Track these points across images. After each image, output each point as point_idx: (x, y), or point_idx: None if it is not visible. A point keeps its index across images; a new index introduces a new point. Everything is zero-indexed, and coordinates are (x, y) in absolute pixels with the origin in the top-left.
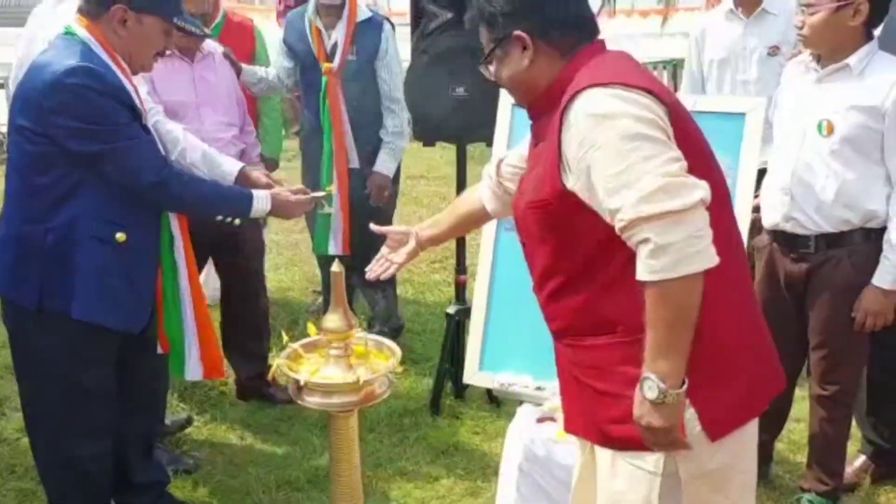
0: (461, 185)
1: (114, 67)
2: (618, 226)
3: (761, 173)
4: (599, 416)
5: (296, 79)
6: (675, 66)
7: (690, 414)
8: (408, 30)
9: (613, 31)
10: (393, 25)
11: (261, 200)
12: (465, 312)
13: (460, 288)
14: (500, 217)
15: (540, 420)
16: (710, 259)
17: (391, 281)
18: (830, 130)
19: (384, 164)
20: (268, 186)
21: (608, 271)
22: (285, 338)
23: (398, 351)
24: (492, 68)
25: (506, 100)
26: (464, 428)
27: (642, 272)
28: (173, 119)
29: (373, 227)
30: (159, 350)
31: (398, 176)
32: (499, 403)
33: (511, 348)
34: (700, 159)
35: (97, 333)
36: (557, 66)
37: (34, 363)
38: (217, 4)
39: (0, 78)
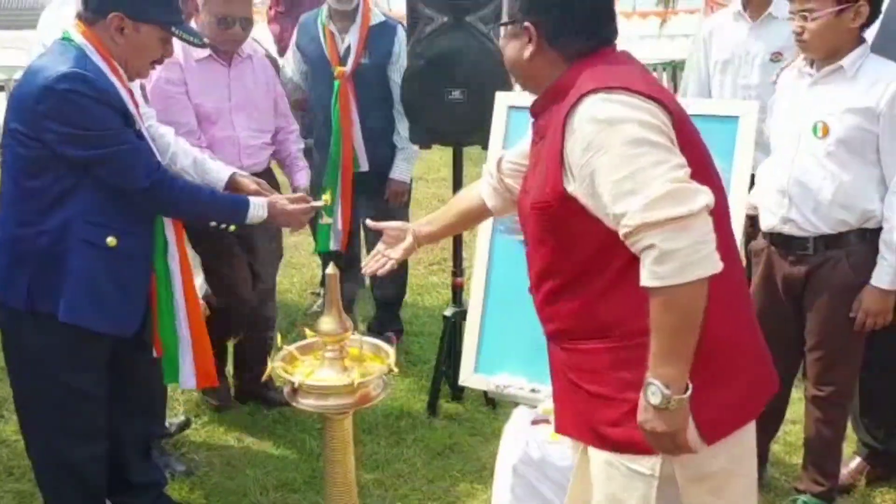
0: (458, 188)
1: (108, 73)
2: (622, 231)
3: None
4: (594, 419)
5: (308, 82)
6: (674, 68)
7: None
8: None
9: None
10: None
11: (257, 208)
12: (461, 315)
13: (457, 290)
14: (501, 214)
15: (535, 422)
16: (715, 265)
17: (403, 289)
18: (825, 132)
19: (401, 171)
20: (257, 194)
21: (605, 276)
22: (280, 340)
23: (393, 353)
24: (501, 41)
25: (501, 103)
26: (460, 430)
27: (647, 278)
28: (206, 123)
29: (369, 223)
30: (155, 353)
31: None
32: (495, 405)
33: (506, 351)
34: (701, 166)
35: (87, 336)
36: (560, 68)
37: (27, 365)
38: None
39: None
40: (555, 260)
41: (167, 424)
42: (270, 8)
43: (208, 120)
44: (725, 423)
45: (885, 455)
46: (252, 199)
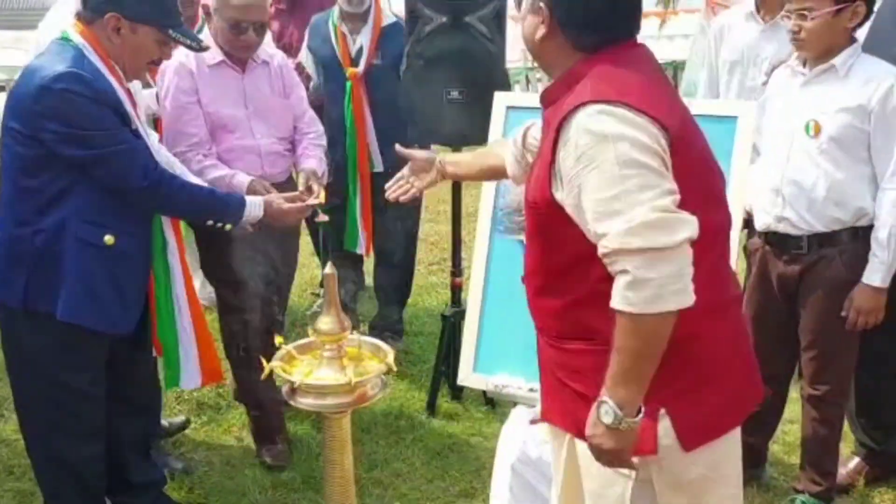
0: (457, 188)
1: (106, 73)
2: (600, 251)
3: None
4: (578, 415)
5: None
6: (675, 69)
7: (665, 424)
8: None
9: None
10: None
11: (254, 206)
12: (461, 315)
13: (456, 290)
14: (518, 184)
15: (533, 421)
16: (687, 299)
17: (407, 293)
18: (818, 131)
19: None
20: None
21: (587, 282)
22: (279, 340)
23: (391, 353)
24: (521, 12)
25: (500, 102)
26: (459, 429)
27: (617, 301)
28: (223, 132)
29: (398, 147)
30: (154, 353)
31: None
32: (494, 405)
33: (505, 350)
34: (699, 187)
35: (84, 335)
36: (572, 58)
37: (25, 364)
38: (196, 8)
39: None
40: (542, 258)
41: (166, 424)
42: (271, 5)
43: (225, 129)
44: (704, 431)
45: (884, 455)
46: (248, 198)
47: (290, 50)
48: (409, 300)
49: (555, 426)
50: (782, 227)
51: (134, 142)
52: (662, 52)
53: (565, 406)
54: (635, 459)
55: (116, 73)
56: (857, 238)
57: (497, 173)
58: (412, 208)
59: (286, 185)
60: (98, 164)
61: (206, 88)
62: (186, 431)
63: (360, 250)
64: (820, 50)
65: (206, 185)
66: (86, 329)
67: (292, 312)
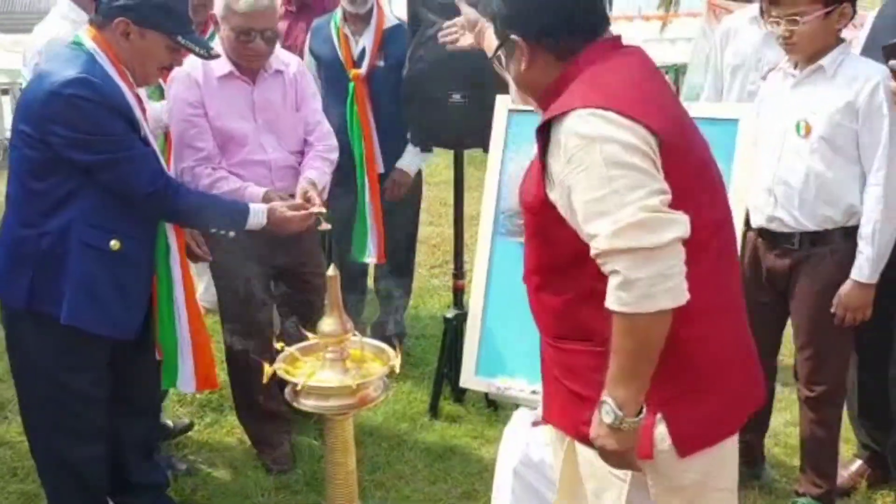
0: (459, 190)
1: (117, 79)
2: (592, 252)
3: None
4: (576, 416)
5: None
6: (676, 72)
7: (661, 429)
8: None
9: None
10: None
11: (257, 214)
12: (463, 317)
13: (458, 293)
14: None
15: (535, 424)
16: (679, 297)
17: (408, 295)
18: (808, 131)
19: (407, 162)
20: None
21: (582, 283)
22: (280, 343)
23: (394, 355)
24: (503, 66)
25: (502, 105)
26: (461, 432)
27: (611, 301)
28: (233, 146)
29: None
30: (157, 356)
31: (420, 180)
32: (496, 407)
33: (507, 353)
34: (693, 187)
35: (86, 338)
36: (557, 69)
37: (27, 365)
38: (209, 14)
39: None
40: (540, 258)
41: (170, 424)
42: (282, 5)
43: (234, 142)
44: (700, 438)
45: (886, 457)
46: (252, 206)
47: (295, 50)
48: (412, 302)
49: (555, 427)
50: (775, 226)
51: (142, 148)
52: (664, 55)
53: (564, 407)
54: None
55: (127, 78)
56: (849, 238)
57: None
58: (412, 212)
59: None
60: (105, 169)
61: (213, 101)
62: (190, 433)
63: (370, 259)
64: (811, 52)
65: (210, 192)
66: (89, 332)
67: None
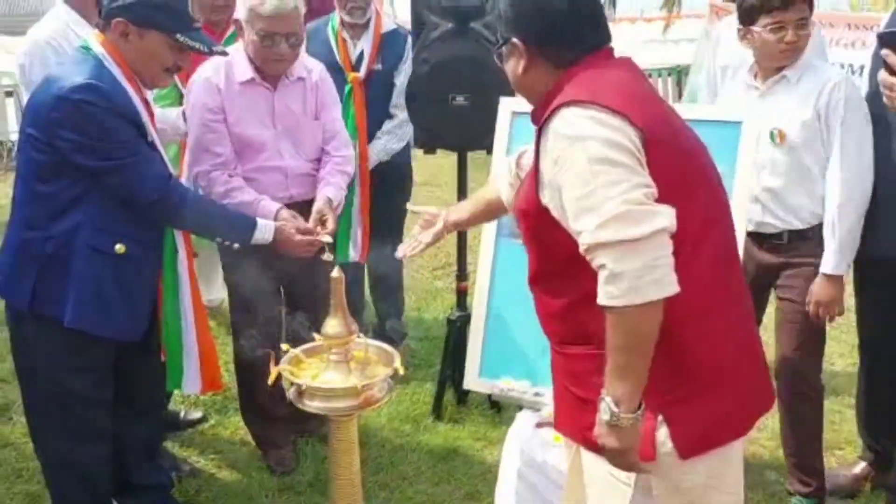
0: (462, 193)
1: (124, 83)
2: (581, 248)
3: None
4: (581, 421)
5: None
6: (679, 73)
7: (663, 431)
8: None
9: (616, 38)
10: None
11: (264, 230)
12: (466, 319)
13: (462, 295)
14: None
15: (539, 425)
16: (668, 288)
17: (400, 289)
18: (783, 138)
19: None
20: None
21: (581, 285)
22: (285, 346)
23: (398, 356)
24: (504, 65)
25: (505, 108)
26: (465, 433)
27: (601, 297)
28: (250, 151)
29: (409, 206)
30: (161, 358)
31: (410, 186)
32: (499, 409)
33: (510, 354)
34: (683, 182)
35: (90, 340)
36: (553, 76)
37: (31, 366)
38: (230, 15)
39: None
40: (539, 263)
41: (182, 414)
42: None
43: (251, 148)
44: (702, 440)
45: (891, 460)
46: (260, 221)
47: None
48: (414, 304)
49: (563, 435)
50: (764, 229)
51: (149, 154)
52: (667, 56)
53: (570, 413)
54: None
55: (135, 82)
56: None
57: (493, 207)
58: (397, 222)
59: (310, 204)
60: (111, 173)
61: (233, 107)
62: (194, 434)
63: (354, 256)
64: (802, 57)
65: (223, 200)
66: (92, 334)
67: None
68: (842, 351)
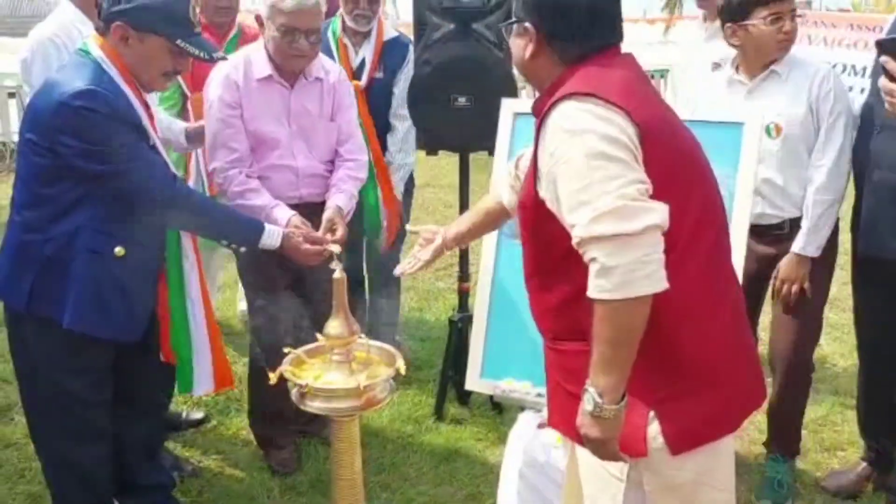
0: (464, 193)
1: (124, 86)
2: (574, 241)
3: None
4: (574, 417)
5: None
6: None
7: (655, 427)
8: None
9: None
10: None
11: (271, 235)
12: (468, 320)
13: (463, 295)
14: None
15: (541, 426)
16: (657, 284)
17: (398, 289)
18: (779, 131)
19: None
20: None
21: (575, 279)
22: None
23: (400, 357)
24: (510, 39)
25: (507, 109)
26: (466, 434)
27: (591, 289)
28: (263, 149)
29: (409, 227)
30: (162, 358)
31: (411, 187)
32: (501, 410)
33: (512, 355)
34: (679, 180)
35: (88, 341)
36: (557, 70)
37: (30, 367)
38: (233, 18)
39: (10, 87)
40: (535, 258)
41: (183, 415)
42: None
43: (265, 146)
44: (693, 436)
45: (891, 461)
46: (268, 227)
47: None
48: (416, 305)
49: (558, 432)
50: (764, 220)
51: (151, 157)
52: (667, 56)
53: (563, 409)
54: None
55: (134, 86)
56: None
57: (493, 216)
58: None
59: (323, 206)
60: (114, 178)
61: (250, 103)
62: (196, 435)
63: (383, 237)
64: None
65: (230, 205)
66: (91, 335)
67: None
68: (843, 351)
